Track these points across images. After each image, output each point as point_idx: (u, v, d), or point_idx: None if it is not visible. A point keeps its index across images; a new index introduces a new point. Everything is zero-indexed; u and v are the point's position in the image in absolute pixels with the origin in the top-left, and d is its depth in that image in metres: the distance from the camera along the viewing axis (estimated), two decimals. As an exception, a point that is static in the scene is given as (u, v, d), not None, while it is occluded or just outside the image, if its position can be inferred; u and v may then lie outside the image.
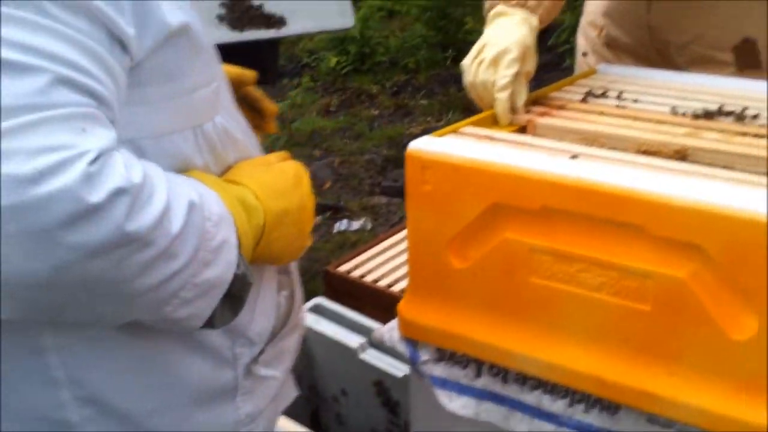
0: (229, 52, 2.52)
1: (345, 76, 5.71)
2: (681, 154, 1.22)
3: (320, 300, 2.46)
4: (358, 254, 3.00)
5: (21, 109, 0.82)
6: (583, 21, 2.00)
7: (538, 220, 1.14)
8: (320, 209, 4.16)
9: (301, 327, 1.32)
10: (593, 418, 1.12)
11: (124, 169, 0.88)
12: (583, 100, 1.44)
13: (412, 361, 1.26)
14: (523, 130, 1.37)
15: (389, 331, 1.31)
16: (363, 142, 4.92)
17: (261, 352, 1.19)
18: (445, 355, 1.23)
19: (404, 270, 2.84)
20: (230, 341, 1.15)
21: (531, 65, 1.47)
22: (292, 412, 2.14)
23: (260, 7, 2.48)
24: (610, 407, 1.11)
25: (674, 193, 1.03)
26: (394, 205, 4.16)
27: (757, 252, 0.98)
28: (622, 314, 1.08)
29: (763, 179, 1.11)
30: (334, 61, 5.74)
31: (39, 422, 1.07)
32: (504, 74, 1.41)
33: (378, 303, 2.68)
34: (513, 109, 1.41)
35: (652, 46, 1.85)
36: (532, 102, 1.45)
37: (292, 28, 2.51)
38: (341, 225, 3.99)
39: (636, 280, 1.08)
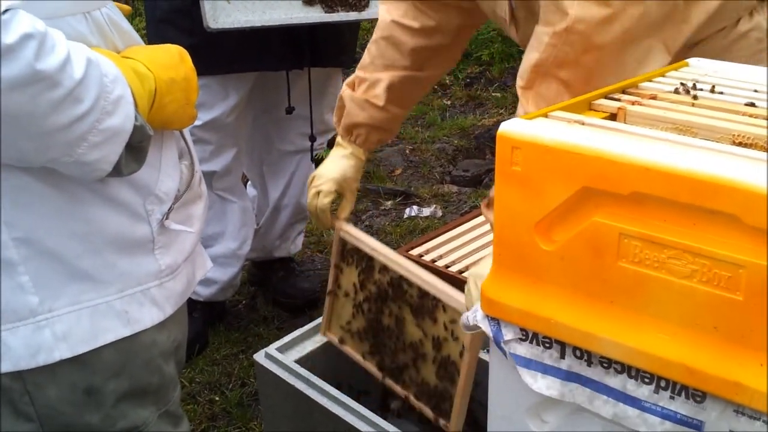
0: (309, 34, 2.56)
1: (419, 64, 5.69)
2: (777, 147, 1.20)
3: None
4: (430, 239, 3.01)
5: None
6: None
7: (629, 205, 1.13)
8: (390, 194, 4.18)
9: (206, 198, 1.59)
10: (678, 406, 1.12)
11: (31, 20, 1.10)
12: (675, 91, 1.43)
13: (496, 340, 1.27)
14: (613, 117, 1.36)
15: (473, 312, 1.32)
16: (434, 131, 4.93)
17: (170, 210, 1.43)
18: (528, 335, 1.23)
19: (477, 256, 2.84)
20: (141, 198, 1.39)
21: (351, 190, 2.17)
22: (364, 390, 2.18)
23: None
24: (696, 395, 1.11)
25: (771, 184, 1.02)
26: (464, 195, 4.16)
27: None
28: (713, 303, 1.08)
29: None
30: (409, 48, 5.73)
31: None
32: (323, 202, 2.13)
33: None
34: (338, 220, 2.14)
35: None
36: (622, 91, 1.44)
37: (373, 11, 2.54)
38: (411, 211, 4.00)
39: (729, 270, 1.07)
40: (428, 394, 1.92)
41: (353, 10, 2.51)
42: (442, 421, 1.89)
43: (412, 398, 1.97)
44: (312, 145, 2.94)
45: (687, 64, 1.60)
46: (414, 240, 3.10)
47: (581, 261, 1.19)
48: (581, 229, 1.18)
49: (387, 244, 3.72)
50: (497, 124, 5.15)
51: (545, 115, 1.32)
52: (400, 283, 1.97)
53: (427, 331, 1.90)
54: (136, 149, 1.28)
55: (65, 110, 1.16)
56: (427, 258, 2.89)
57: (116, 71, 1.25)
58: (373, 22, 2.40)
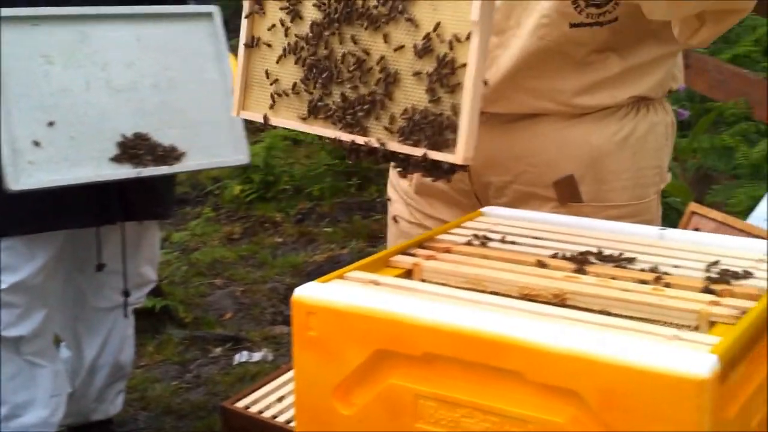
0: (120, 188, 2.51)
1: (249, 203, 5.72)
2: (560, 298, 1.26)
3: (215, 441, 2.38)
4: (257, 388, 2.94)
5: None
6: (392, 172, 2.04)
7: (422, 366, 1.14)
8: (220, 340, 4.09)
9: None
10: None
11: None
12: (468, 243, 1.47)
13: None
14: (409, 273, 1.39)
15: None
16: (266, 270, 4.90)
17: None
18: (331, 507, 1.21)
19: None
20: None
21: None
22: None
23: (157, 143, 2.49)
24: None
25: (549, 340, 1.05)
26: (297, 335, 4.12)
27: (630, 398, 1.00)
28: (506, 461, 1.09)
29: (638, 324, 1.15)
30: (238, 189, 5.75)
31: None
32: None
33: (276, 441, 2.62)
34: None
35: (471, 190, 1.92)
36: (419, 245, 1.48)
37: (186, 165, 2.53)
38: (241, 357, 3.92)
39: (517, 425, 1.09)
40: (415, 129, 1.43)
41: (164, 164, 2.48)
42: (444, 158, 1.41)
43: (394, 144, 1.46)
44: (126, 301, 2.85)
45: (481, 214, 1.66)
46: (240, 391, 3.02)
47: (380, 424, 1.18)
48: (378, 392, 1.18)
49: (215, 394, 3.64)
50: (329, 259, 5.17)
51: (341, 277, 1.33)
52: None
53: (405, 40, 1.44)
54: None
55: None
56: (254, 409, 2.82)
57: None
58: (190, 175, 2.37)
